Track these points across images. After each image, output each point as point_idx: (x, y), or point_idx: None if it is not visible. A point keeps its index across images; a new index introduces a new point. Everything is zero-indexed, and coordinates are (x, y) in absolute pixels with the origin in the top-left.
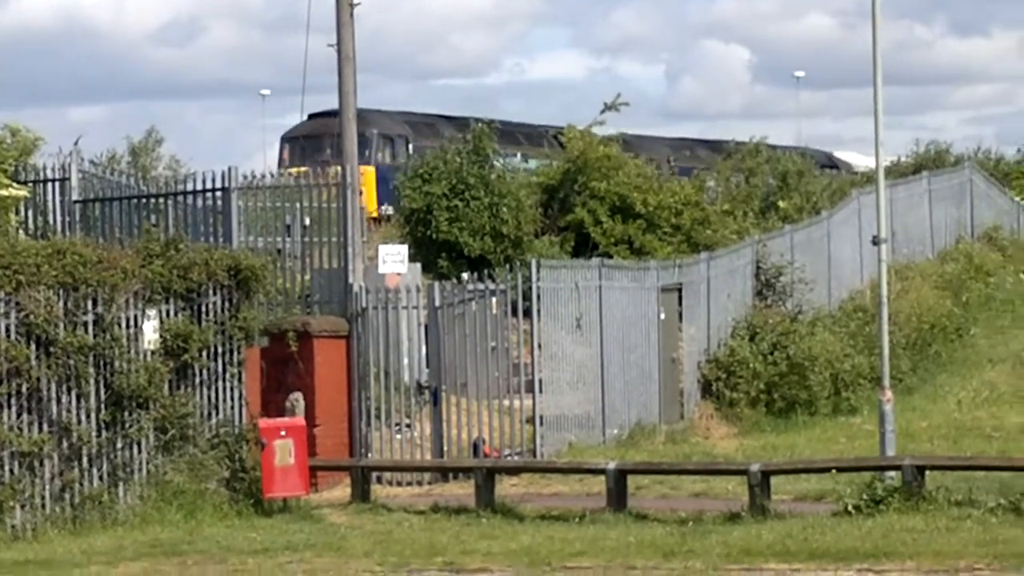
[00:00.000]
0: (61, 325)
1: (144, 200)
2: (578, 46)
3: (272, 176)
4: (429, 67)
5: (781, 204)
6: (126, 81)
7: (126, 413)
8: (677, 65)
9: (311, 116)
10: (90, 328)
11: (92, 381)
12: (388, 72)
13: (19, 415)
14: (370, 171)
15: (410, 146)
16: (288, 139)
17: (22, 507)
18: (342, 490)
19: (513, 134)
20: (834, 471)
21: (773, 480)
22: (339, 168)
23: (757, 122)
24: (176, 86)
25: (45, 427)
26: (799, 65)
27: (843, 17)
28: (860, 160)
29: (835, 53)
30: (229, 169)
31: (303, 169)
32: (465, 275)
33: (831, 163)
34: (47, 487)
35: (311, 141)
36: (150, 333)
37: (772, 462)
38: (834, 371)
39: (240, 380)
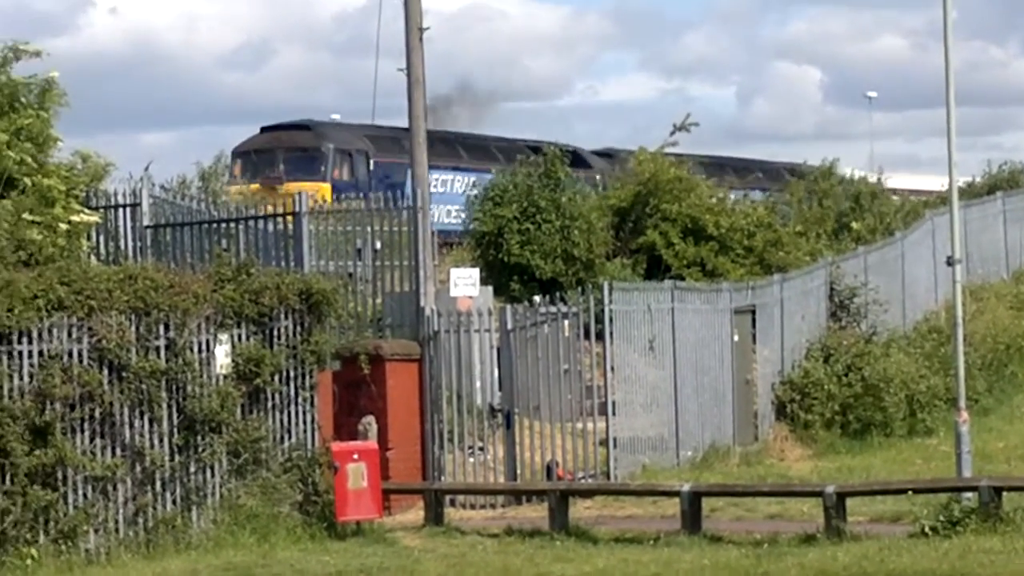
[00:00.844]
0: (133, 350)
1: (215, 225)
2: (648, 68)
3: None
4: (500, 91)
5: (854, 225)
6: (197, 106)
7: (199, 437)
8: (748, 86)
9: (263, 129)
10: (162, 353)
11: (165, 405)
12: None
13: (92, 440)
14: (325, 188)
15: (371, 162)
16: (239, 153)
17: (96, 531)
18: (415, 513)
19: (487, 148)
20: (910, 492)
21: (849, 502)
22: (291, 186)
23: (830, 143)
24: (246, 110)
25: (118, 451)
26: (871, 86)
27: (915, 38)
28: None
29: (908, 74)
30: (300, 194)
31: (255, 186)
32: (537, 298)
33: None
34: (121, 511)
35: (263, 156)
36: (222, 357)
37: (848, 483)
38: (909, 392)
39: (312, 404)
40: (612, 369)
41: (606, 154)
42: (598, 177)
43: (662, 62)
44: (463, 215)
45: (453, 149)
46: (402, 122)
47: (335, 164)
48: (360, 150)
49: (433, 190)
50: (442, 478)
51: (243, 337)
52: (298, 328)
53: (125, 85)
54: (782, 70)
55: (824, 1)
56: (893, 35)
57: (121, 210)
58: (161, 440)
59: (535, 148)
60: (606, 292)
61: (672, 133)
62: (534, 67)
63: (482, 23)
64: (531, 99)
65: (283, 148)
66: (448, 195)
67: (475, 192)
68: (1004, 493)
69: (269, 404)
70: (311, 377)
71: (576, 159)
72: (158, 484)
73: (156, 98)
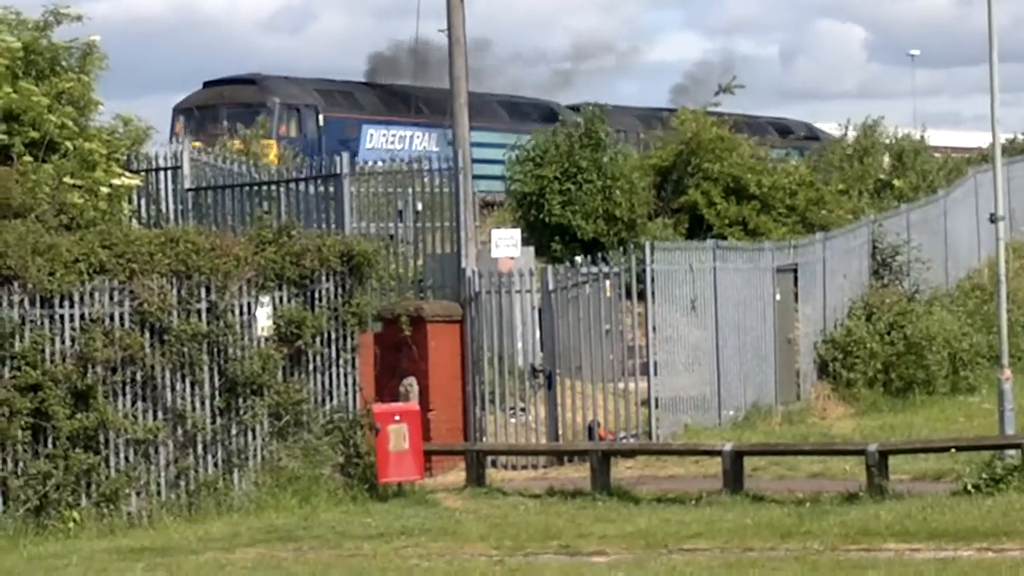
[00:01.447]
0: (175, 313)
1: (256, 187)
2: (692, 28)
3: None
4: (543, 51)
5: (896, 183)
6: (238, 69)
7: (240, 400)
8: (791, 45)
9: (206, 84)
10: (203, 316)
11: (206, 368)
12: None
13: (134, 403)
14: (271, 145)
15: (320, 117)
16: (181, 110)
17: (138, 494)
18: (457, 474)
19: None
20: (953, 450)
21: (891, 460)
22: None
23: (873, 101)
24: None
25: (160, 415)
26: (915, 43)
27: None
28: (832, 129)
29: (952, 31)
30: (341, 155)
31: (196, 144)
32: (578, 258)
33: (812, 135)
34: (162, 474)
35: (206, 112)
36: (263, 320)
37: (890, 442)
38: (952, 350)
39: (354, 366)
40: (654, 329)
41: (579, 109)
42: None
43: (705, 22)
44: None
45: (407, 103)
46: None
47: (281, 120)
48: (309, 105)
49: (390, 146)
50: (484, 439)
51: (284, 299)
52: (339, 290)
53: (166, 49)
54: (825, 28)
55: None
56: None
57: (162, 173)
58: (202, 403)
59: (506, 103)
60: (648, 252)
61: (716, 94)
62: (577, 27)
63: None
64: (574, 60)
65: (226, 104)
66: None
67: (514, 153)
68: None
69: (310, 366)
70: (352, 339)
71: (549, 114)
72: (199, 447)
73: (197, 62)
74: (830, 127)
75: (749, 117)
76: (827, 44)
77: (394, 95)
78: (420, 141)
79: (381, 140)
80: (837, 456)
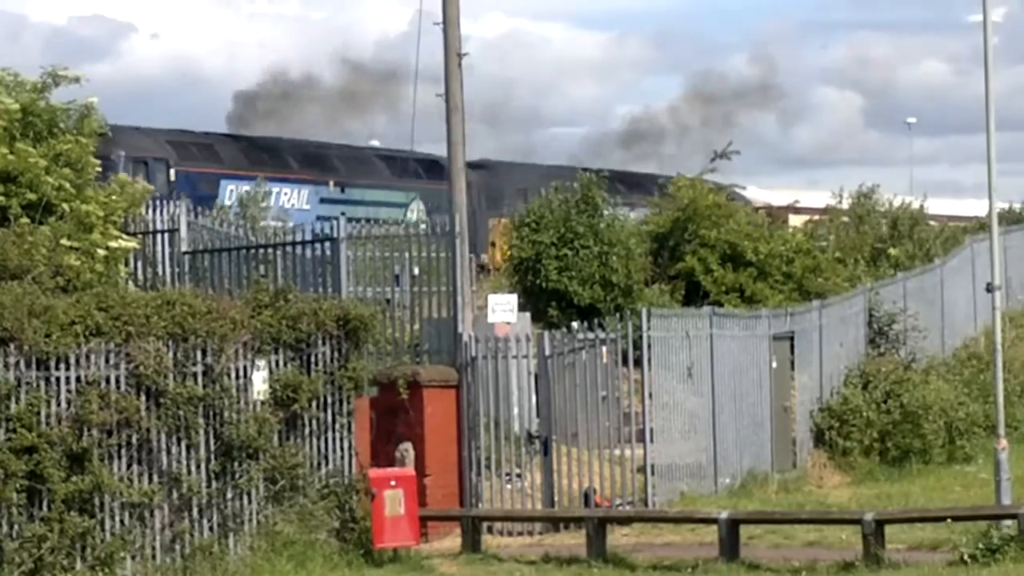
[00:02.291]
0: (171, 376)
1: (253, 250)
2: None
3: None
4: (541, 116)
5: (892, 251)
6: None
7: (236, 463)
8: (790, 111)
9: None
10: (200, 379)
11: (202, 432)
12: (499, 122)
13: (129, 466)
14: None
15: (172, 171)
16: None
17: (133, 558)
18: (453, 540)
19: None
20: (949, 520)
21: (888, 529)
22: None
23: (872, 169)
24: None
25: (155, 478)
26: (913, 111)
27: (958, 63)
28: (759, 195)
29: (950, 99)
30: (337, 219)
31: None
32: (575, 324)
33: (729, 198)
34: (158, 538)
35: None
36: (259, 383)
37: (886, 511)
38: (948, 419)
39: (350, 430)
40: (650, 395)
41: (479, 166)
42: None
43: (705, 87)
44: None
45: (280, 158)
46: (439, 149)
47: (127, 172)
48: (159, 158)
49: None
50: (479, 505)
51: (280, 363)
52: (336, 354)
53: (166, 110)
54: (823, 95)
55: (866, 26)
56: (936, 60)
57: (159, 236)
58: (198, 466)
59: (388, 157)
60: (644, 318)
61: (713, 160)
62: (576, 92)
63: (523, 49)
64: (572, 125)
65: None
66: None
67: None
68: None
69: (306, 430)
70: (348, 403)
71: (436, 168)
72: (195, 510)
73: (196, 123)
74: (749, 192)
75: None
76: (825, 111)
77: (260, 148)
78: (288, 198)
79: (245, 196)
80: (833, 525)
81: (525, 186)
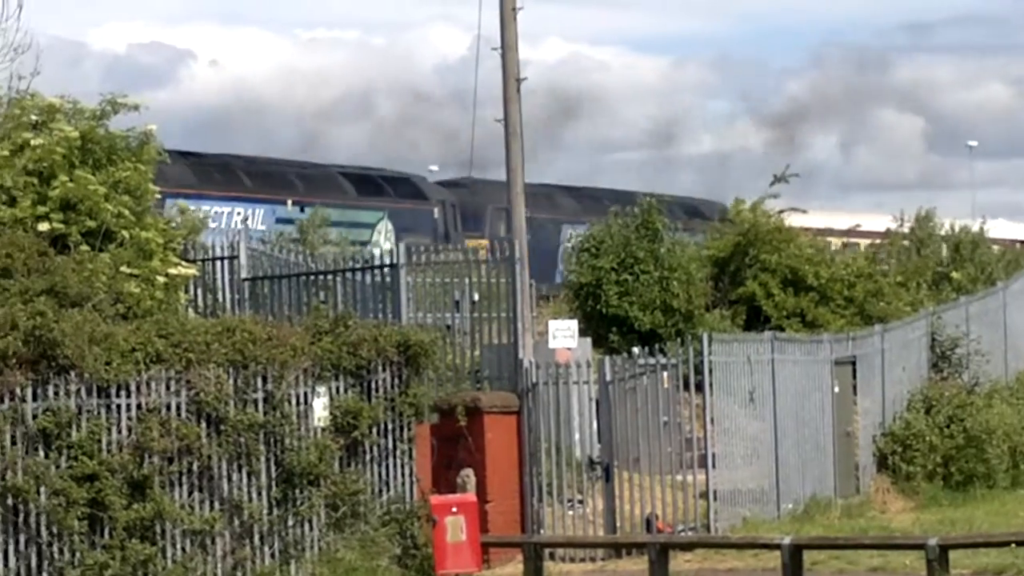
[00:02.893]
0: (231, 402)
1: (312, 277)
2: (752, 118)
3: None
4: (602, 141)
5: (954, 275)
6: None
7: (297, 490)
8: (851, 135)
9: None
10: (260, 405)
11: (263, 459)
12: (558, 147)
13: (190, 493)
14: None
15: None
16: None
17: None
18: (514, 567)
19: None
20: (1014, 545)
21: (952, 554)
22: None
23: (933, 192)
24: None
25: (216, 505)
26: (975, 134)
27: (1020, 86)
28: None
29: (1013, 122)
30: (398, 245)
31: None
32: (636, 349)
33: (727, 217)
34: (219, 565)
35: None
36: (320, 410)
37: (950, 536)
38: (1012, 443)
39: (411, 456)
40: (712, 421)
41: (456, 184)
42: (436, 212)
43: (765, 111)
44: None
45: (232, 176)
46: (499, 174)
47: None
48: None
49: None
50: (541, 531)
51: (341, 390)
52: (396, 380)
53: (224, 137)
54: (884, 118)
55: (929, 49)
56: (998, 83)
57: (219, 262)
58: (259, 493)
59: (354, 175)
60: (705, 343)
61: (772, 184)
62: (635, 117)
63: (582, 74)
64: (633, 150)
65: None
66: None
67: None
68: None
69: (367, 457)
70: (409, 430)
71: (407, 187)
72: (256, 538)
73: (254, 150)
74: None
75: (623, 193)
76: (886, 135)
77: (209, 166)
78: (241, 217)
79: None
80: (897, 550)
81: (507, 205)
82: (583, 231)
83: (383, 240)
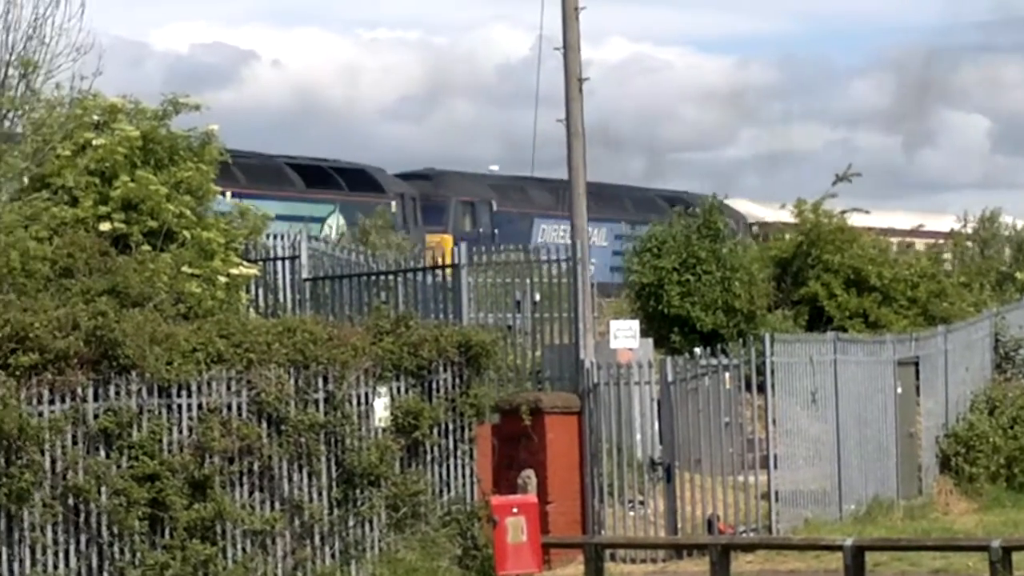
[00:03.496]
0: (292, 403)
1: (373, 277)
2: (816, 118)
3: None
4: (663, 141)
5: (1019, 275)
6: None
7: (357, 491)
8: (915, 135)
9: None
10: (321, 406)
11: (323, 459)
12: (622, 147)
13: (251, 493)
14: None
15: None
16: None
17: None
18: (575, 567)
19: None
20: None
21: (1015, 556)
22: None
23: (997, 192)
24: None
25: (277, 505)
26: None
27: None
28: (754, 209)
29: None
30: (459, 245)
31: None
32: (698, 350)
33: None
34: (279, 565)
35: None
36: (381, 410)
37: (1013, 537)
38: None
39: (471, 457)
40: (774, 422)
41: (419, 175)
42: (394, 205)
43: (828, 111)
44: None
45: None
46: (559, 173)
47: None
48: None
49: None
50: (602, 532)
51: (402, 390)
52: (457, 381)
53: (287, 137)
54: (949, 119)
55: (995, 49)
56: None
57: (280, 263)
58: (320, 494)
59: (301, 166)
60: (767, 344)
61: (834, 183)
62: (699, 116)
63: (646, 74)
64: (696, 150)
65: None
66: None
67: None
68: None
69: (428, 457)
70: (470, 430)
71: (361, 179)
72: (317, 538)
73: (318, 150)
74: (740, 203)
75: (636, 190)
76: (950, 135)
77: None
78: None
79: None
80: (960, 552)
81: (472, 198)
82: (555, 225)
83: (334, 235)
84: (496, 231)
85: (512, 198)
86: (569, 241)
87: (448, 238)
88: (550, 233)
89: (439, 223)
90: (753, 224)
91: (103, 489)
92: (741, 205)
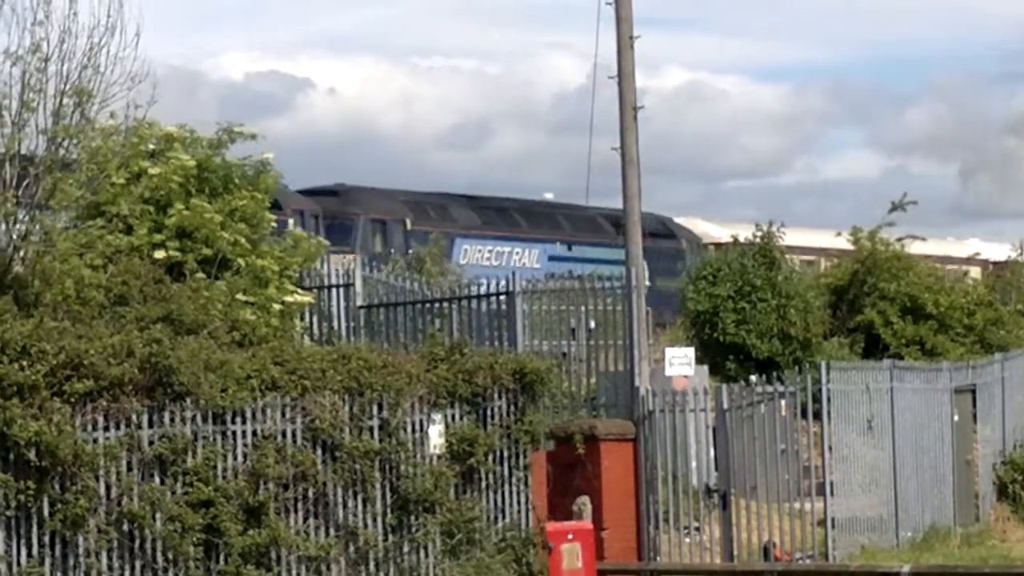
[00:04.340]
0: (347, 430)
1: (428, 304)
2: (871, 146)
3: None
4: (718, 169)
5: None
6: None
7: (412, 517)
8: (972, 163)
9: None
10: (376, 432)
11: (378, 485)
12: (676, 174)
13: (305, 519)
14: None
15: None
16: None
17: None
18: None
19: None
20: None
21: None
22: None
23: None
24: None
25: (332, 531)
26: None
27: None
28: (708, 228)
29: None
30: (513, 273)
31: None
32: (753, 377)
33: (665, 231)
34: None
35: None
36: (436, 437)
37: None
38: None
39: (526, 484)
40: (830, 449)
41: (328, 192)
42: (291, 221)
43: (885, 140)
44: None
45: None
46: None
47: None
48: None
49: None
50: (658, 559)
51: (456, 417)
52: (512, 408)
53: (342, 165)
54: (1007, 146)
55: None
56: None
57: (334, 290)
58: (374, 520)
59: None
60: (823, 371)
61: (890, 211)
62: (754, 144)
63: (701, 102)
64: (750, 177)
65: None
66: None
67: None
68: None
69: (483, 484)
70: (525, 457)
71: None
72: (372, 564)
73: (373, 178)
74: (693, 223)
75: (574, 208)
76: (1008, 162)
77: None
78: None
79: None
80: None
81: (384, 216)
82: (479, 245)
83: None
84: (411, 251)
85: (430, 216)
86: (494, 262)
87: (357, 257)
88: (472, 254)
89: (345, 242)
90: (708, 244)
91: (158, 515)
92: (694, 225)
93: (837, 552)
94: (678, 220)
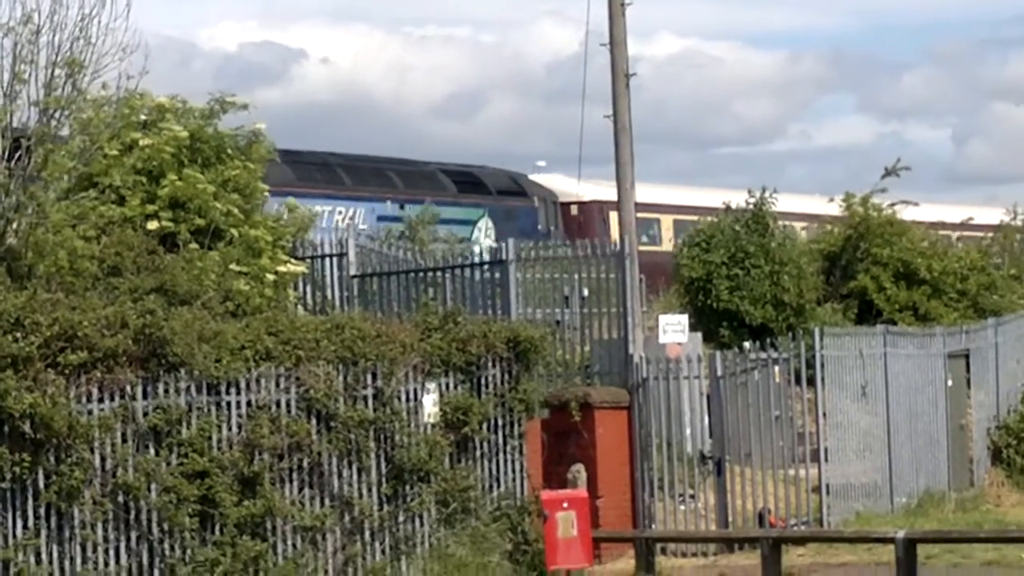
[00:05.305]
0: (341, 399)
1: (421, 273)
2: (865, 111)
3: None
4: (711, 136)
5: None
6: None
7: (407, 487)
8: (964, 128)
9: None
10: (370, 402)
11: (373, 455)
12: (669, 142)
13: (300, 490)
14: None
15: None
16: None
17: None
18: (626, 561)
19: None
20: None
21: None
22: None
23: None
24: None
25: (327, 501)
26: None
27: None
28: (568, 185)
29: None
30: (506, 241)
31: None
32: (747, 344)
33: (518, 188)
34: (330, 561)
35: None
36: (430, 406)
37: None
38: None
39: (521, 452)
40: (824, 415)
41: None
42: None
43: (879, 105)
44: None
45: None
46: (607, 171)
47: None
48: None
49: None
50: (652, 526)
51: (451, 386)
52: (506, 376)
53: (336, 135)
54: (1000, 111)
55: None
56: None
57: (327, 260)
58: (369, 490)
59: None
60: (817, 337)
61: (883, 177)
62: (747, 111)
63: (694, 69)
64: (743, 144)
65: None
66: None
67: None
68: None
69: (477, 453)
70: (519, 425)
71: None
72: (367, 534)
73: (366, 147)
74: (553, 179)
75: (401, 161)
76: (1001, 127)
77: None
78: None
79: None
80: (1012, 544)
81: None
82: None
83: None
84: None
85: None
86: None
87: None
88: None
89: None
90: (569, 203)
91: (153, 486)
92: (554, 181)
93: (832, 518)
94: (535, 177)
